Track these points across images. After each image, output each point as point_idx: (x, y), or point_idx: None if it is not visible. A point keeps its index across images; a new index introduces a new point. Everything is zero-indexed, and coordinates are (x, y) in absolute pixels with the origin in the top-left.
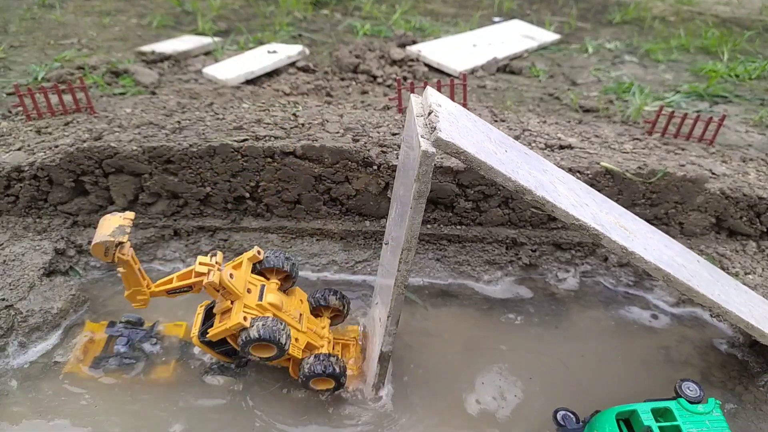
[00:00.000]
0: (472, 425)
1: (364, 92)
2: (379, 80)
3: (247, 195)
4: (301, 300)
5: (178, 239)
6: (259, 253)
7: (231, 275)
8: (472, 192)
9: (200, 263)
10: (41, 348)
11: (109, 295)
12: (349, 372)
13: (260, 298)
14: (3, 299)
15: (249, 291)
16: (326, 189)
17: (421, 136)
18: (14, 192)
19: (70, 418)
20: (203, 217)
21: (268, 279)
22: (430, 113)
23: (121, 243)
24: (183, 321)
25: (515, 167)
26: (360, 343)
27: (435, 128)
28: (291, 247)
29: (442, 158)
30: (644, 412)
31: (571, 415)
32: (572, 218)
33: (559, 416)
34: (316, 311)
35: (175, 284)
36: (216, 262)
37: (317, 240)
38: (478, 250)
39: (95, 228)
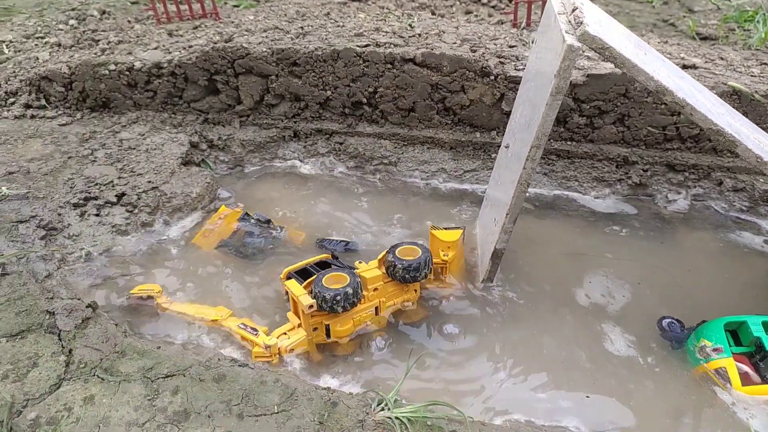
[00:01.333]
0: (581, 314)
1: (468, 12)
2: (483, 0)
3: (365, 100)
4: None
5: (297, 140)
6: None
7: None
8: (588, 107)
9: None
10: (181, 226)
11: (237, 188)
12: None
13: None
14: (150, 182)
15: None
16: (441, 98)
17: (566, 32)
18: (153, 87)
19: (193, 282)
20: (321, 121)
21: None
22: (574, 10)
23: None
24: (302, 232)
25: (655, 69)
26: (462, 245)
27: (581, 23)
28: (402, 153)
29: None
30: (754, 324)
31: (677, 323)
32: (710, 123)
33: (664, 323)
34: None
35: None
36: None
37: (428, 148)
38: (587, 166)
39: (224, 126)
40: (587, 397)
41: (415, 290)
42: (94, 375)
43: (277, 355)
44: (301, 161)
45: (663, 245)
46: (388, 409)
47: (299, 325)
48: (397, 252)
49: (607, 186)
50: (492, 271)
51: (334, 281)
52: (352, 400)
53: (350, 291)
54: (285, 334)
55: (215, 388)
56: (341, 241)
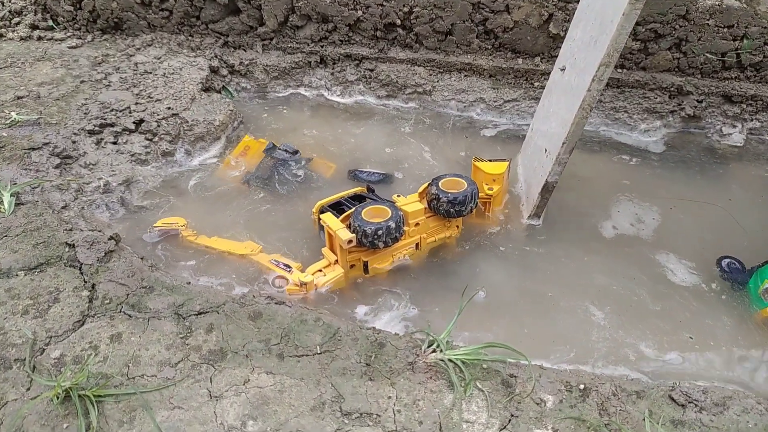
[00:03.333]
0: (632, 248)
1: None
2: None
3: (398, 22)
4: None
5: (324, 67)
6: None
7: None
8: (643, 30)
9: None
10: (204, 156)
11: (260, 116)
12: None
13: None
14: (169, 108)
15: None
16: (482, 19)
17: None
18: (168, 6)
19: (218, 215)
20: (351, 45)
21: None
22: None
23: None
24: (332, 163)
25: None
26: (507, 178)
27: None
28: (437, 81)
29: None
30: None
31: (737, 263)
32: None
33: (724, 263)
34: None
35: None
36: None
37: (465, 76)
38: (638, 96)
39: (246, 50)
40: (660, 342)
41: (457, 226)
42: (120, 311)
43: (310, 291)
44: (328, 89)
45: (716, 181)
46: (440, 350)
47: (336, 262)
48: (440, 184)
49: (659, 118)
50: (540, 206)
51: (374, 215)
52: (399, 341)
53: (393, 225)
54: (320, 271)
55: (252, 326)
56: (375, 172)
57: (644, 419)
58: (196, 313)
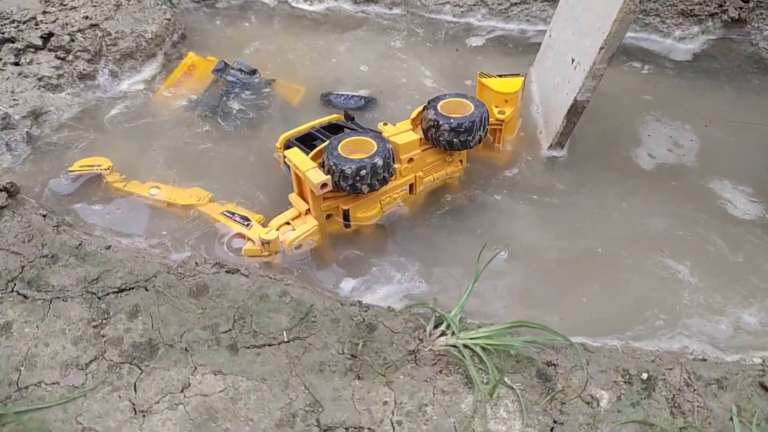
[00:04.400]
0: (676, 178)
1: None
2: None
3: None
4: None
5: None
6: None
7: None
8: None
9: None
10: (135, 78)
11: (208, 28)
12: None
13: None
14: (86, 17)
15: None
16: None
17: None
18: None
19: (155, 155)
20: None
21: None
22: None
23: None
24: (300, 86)
25: None
26: (520, 101)
27: None
28: None
29: None
30: None
31: None
32: None
33: None
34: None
35: None
36: None
37: None
38: None
39: None
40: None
41: (461, 161)
42: (11, 291)
43: (278, 253)
44: None
45: (762, 96)
46: (452, 333)
47: (307, 212)
48: (439, 107)
49: (697, 23)
50: (565, 133)
51: (354, 149)
52: (395, 320)
53: (379, 162)
54: (288, 224)
55: (193, 306)
56: (354, 95)
57: (731, 418)
58: (115, 290)
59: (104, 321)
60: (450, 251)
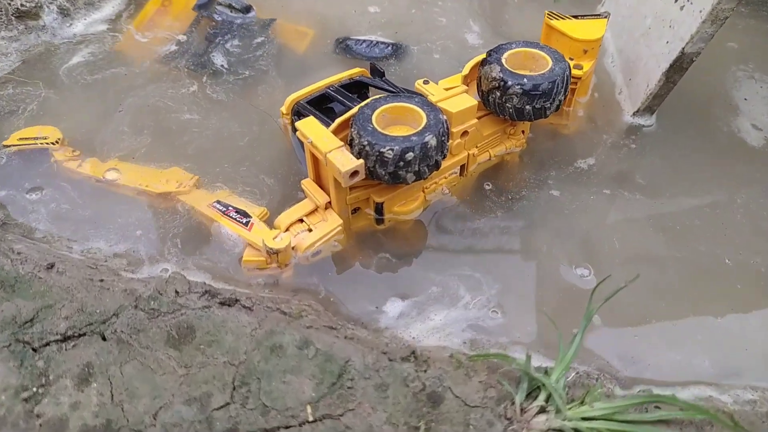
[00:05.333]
0: None
1: None
2: None
3: None
4: None
5: None
6: None
7: None
8: None
9: None
10: (95, 18)
11: None
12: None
13: None
14: None
15: None
16: None
17: None
18: None
19: (122, 121)
20: None
21: None
22: None
23: None
24: (308, 28)
25: None
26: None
27: None
28: None
29: None
30: None
31: None
32: None
33: None
34: None
35: None
36: None
37: None
38: None
39: None
40: None
41: (523, 130)
42: None
43: (288, 265)
44: None
45: None
46: (556, 410)
47: (327, 205)
48: (505, 60)
49: None
50: (660, 95)
51: (393, 119)
52: (468, 384)
53: (432, 141)
54: (302, 221)
55: (173, 364)
56: (380, 41)
57: None
58: (59, 337)
59: (40, 391)
60: (523, 267)
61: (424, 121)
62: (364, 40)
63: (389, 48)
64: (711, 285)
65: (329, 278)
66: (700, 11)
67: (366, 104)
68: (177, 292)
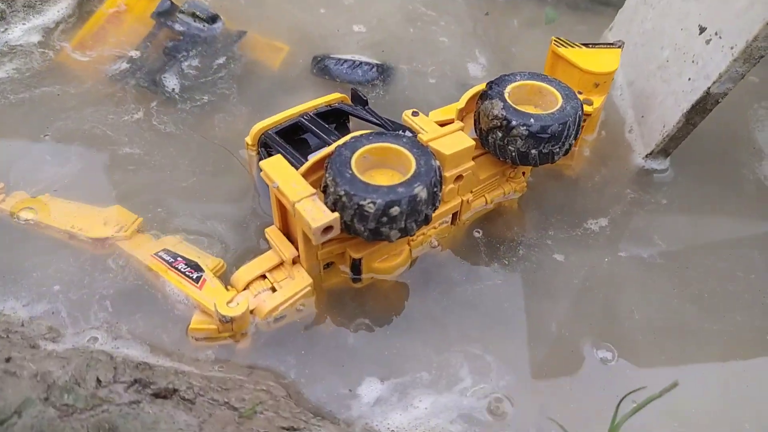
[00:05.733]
0: None
1: None
2: None
3: None
4: None
5: None
6: None
7: None
8: None
9: None
10: (35, 24)
11: None
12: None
13: None
14: None
15: None
16: None
17: None
18: None
19: (58, 149)
20: None
21: None
22: None
23: None
24: (283, 44)
25: None
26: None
27: None
28: None
29: None
30: None
31: None
32: None
33: None
34: None
35: None
36: None
37: None
38: None
39: None
40: None
41: (524, 173)
42: None
43: (245, 335)
44: None
45: None
46: None
47: (295, 260)
48: (508, 94)
49: None
50: (677, 137)
51: (376, 162)
52: None
53: (422, 194)
54: (264, 278)
55: None
56: (364, 62)
57: None
58: None
59: None
60: (531, 347)
61: (413, 167)
62: (346, 60)
63: (374, 69)
64: (758, 365)
65: (293, 351)
66: (732, 48)
67: (345, 143)
68: (99, 380)
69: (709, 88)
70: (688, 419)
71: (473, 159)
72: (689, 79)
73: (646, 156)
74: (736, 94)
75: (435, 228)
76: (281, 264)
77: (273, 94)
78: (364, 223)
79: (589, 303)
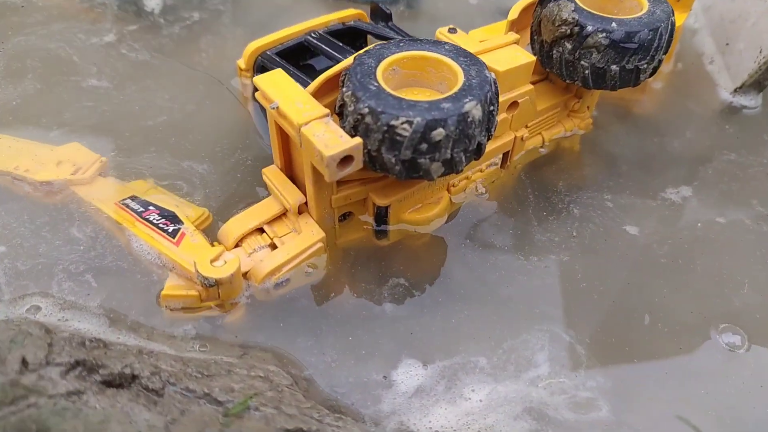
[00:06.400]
0: None
1: None
2: None
3: None
4: None
5: None
6: None
7: None
8: None
9: None
10: None
11: None
12: None
13: None
14: None
15: None
16: None
17: None
18: None
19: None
20: None
21: None
22: None
23: None
24: None
25: None
26: None
27: None
28: None
29: None
30: None
31: None
32: None
33: None
34: None
35: None
36: None
37: None
38: None
39: None
40: None
41: (588, 107)
42: None
43: (236, 302)
44: None
45: None
46: None
47: (302, 208)
48: None
49: None
50: None
51: (411, 78)
52: None
53: (475, 113)
54: (262, 232)
55: None
56: None
57: None
58: None
59: None
60: (633, 328)
61: (461, 79)
62: None
63: None
64: None
65: (303, 326)
66: None
67: (367, 51)
68: (25, 362)
69: None
70: None
71: (534, 83)
72: None
73: (735, 90)
74: None
75: (482, 171)
76: (284, 214)
77: (277, 13)
78: (397, 152)
79: (688, 275)
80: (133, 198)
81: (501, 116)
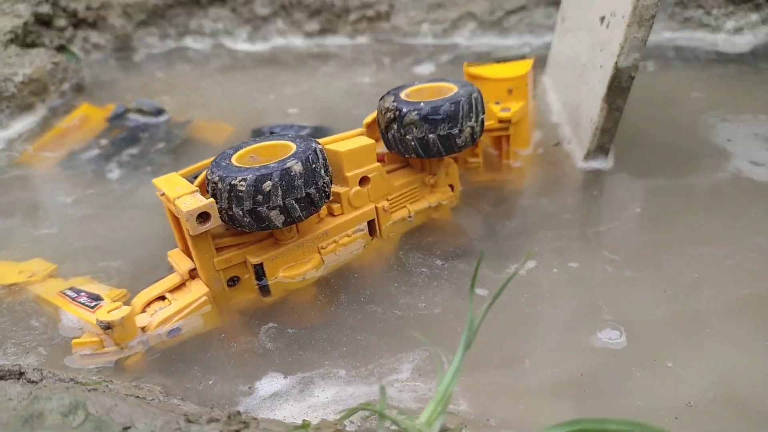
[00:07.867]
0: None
1: None
2: None
3: None
4: None
5: (221, 2)
6: None
7: None
8: None
9: None
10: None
11: (119, 80)
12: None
13: None
14: None
15: None
16: None
17: None
18: None
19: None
20: None
21: None
22: None
23: None
24: (227, 124)
25: None
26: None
27: None
28: None
29: None
30: None
31: None
32: None
33: None
34: None
35: None
36: None
37: None
38: None
39: None
40: None
41: (451, 185)
42: None
43: (128, 343)
44: (230, 33)
45: None
46: None
47: (192, 273)
48: (404, 94)
49: (753, 9)
50: (607, 129)
51: (258, 155)
52: None
53: (296, 168)
54: (163, 299)
55: None
56: (296, 125)
57: None
58: None
59: None
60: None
61: (292, 150)
62: (279, 125)
63: (306, 130)
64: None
65: (190, 362)
66: (623, 16)
67: (230, 147)
68: None
69: (616, 63)
70: None
71: (391, 172)
72: (601, 66)
73: (585, 157)
74: (686, 108)
75: (348, 236)
76: (181, 283)
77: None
78: (241, 205)
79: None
80: (72, 288)
81: (354, 189)
